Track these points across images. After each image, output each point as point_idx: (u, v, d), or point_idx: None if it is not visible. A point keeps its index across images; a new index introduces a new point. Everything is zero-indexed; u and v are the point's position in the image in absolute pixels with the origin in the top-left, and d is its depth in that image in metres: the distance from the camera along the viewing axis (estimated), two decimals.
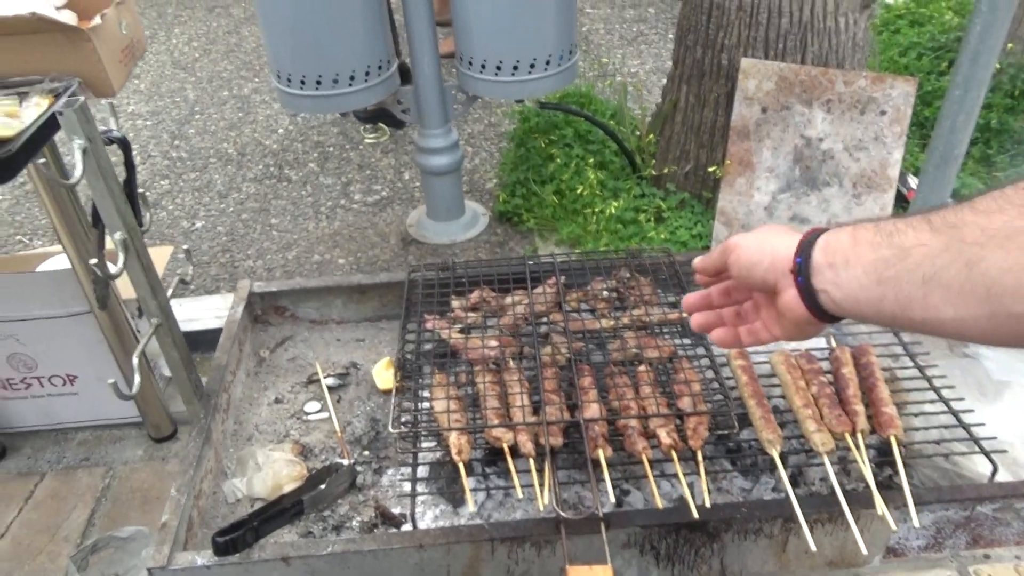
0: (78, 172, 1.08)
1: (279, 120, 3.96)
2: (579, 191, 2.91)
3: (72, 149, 1.10)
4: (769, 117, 2.69)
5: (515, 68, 2.60)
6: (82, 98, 1.08)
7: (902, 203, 2.78)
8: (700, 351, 1.53)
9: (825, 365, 1.54)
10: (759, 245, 0.83)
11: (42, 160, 1.25)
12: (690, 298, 0.98)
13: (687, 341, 1.58)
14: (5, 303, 2.03)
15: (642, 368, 1.49)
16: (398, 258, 2.94)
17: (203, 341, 2.21)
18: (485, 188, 3.34)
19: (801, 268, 0.76)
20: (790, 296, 0.78)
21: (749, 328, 0.90)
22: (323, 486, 1.36)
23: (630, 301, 1.64)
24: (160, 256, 2.78)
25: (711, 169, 2.78)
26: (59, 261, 2.27)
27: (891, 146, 2.64)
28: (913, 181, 2.90)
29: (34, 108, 1.53)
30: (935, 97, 3.44)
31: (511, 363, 1.50)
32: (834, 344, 1.61)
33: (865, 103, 2.63)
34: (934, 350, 1.61)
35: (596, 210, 2.83)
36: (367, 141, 3.72)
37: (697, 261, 0.96)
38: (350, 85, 2.60)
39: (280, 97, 2.69)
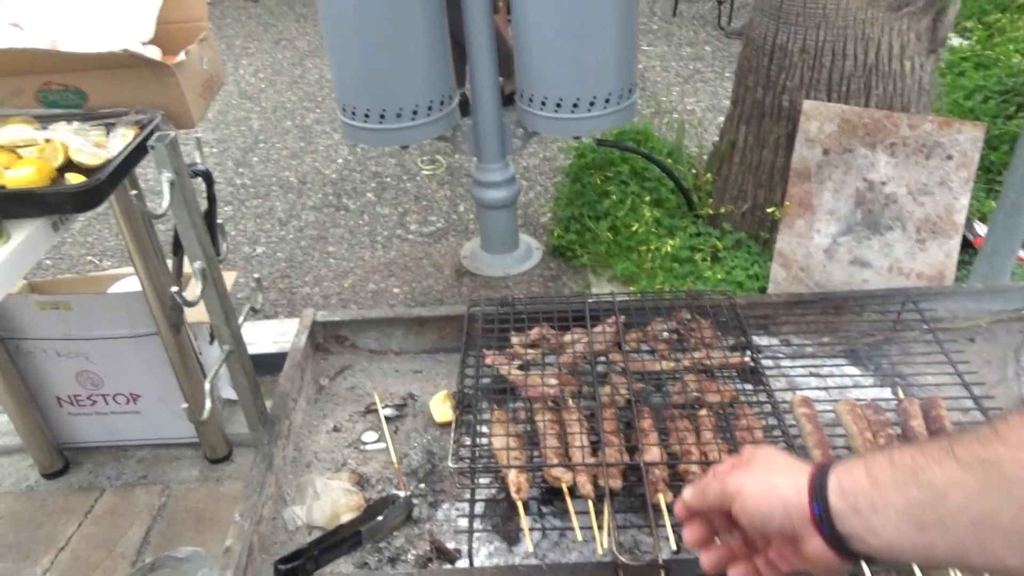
0: (165, 203, 1.13)
1: (339, 150, 4.07)
2: (634, 228, 2.90)
3: (161, 181, 1.14)
4: (831, 159, 2.66)
5: (575, 105, 2.63)
6: (173, 133, 1.13)
7: (968, 249, 2.71)
8: (762, 397, 1.50)
9: (892, 416, 1.50)
10: (765, 491, 0.76)
11: (134, 192, 1.31)
12: (691, 532, 0.86)
13: (748, 386, 1.56)
14: (80, 323, 2.11)
15: (703, 412, 1.47)
16: (452, 289, 2.97)
17: (260, 365, 2.25)
18: (539, 222, 3.36)
19: (822, 517, 0.71)
20: (816, 545, 0.72)
21: (766, 560, 0.82)
22: (380, 517, 1.36)
23: (690, 343, 1.63)
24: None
25: (769, 210, 2.75)
26: (129, 283, 2.36)
27: (957, 191, 2.58)
28: (980, 227, 2.83)
29: (120, 139, 1.60)
30: (1002, 141, 3.37)
31: (570, 402, 1.50)
32: (901, 395, 1.57)
33: (931, 147, 2.58)
34: (1008, 404, 1.56)
35: (651, 248, 2.83)
36: (424, 172, 3.78)
37: (689, 496, 0.84)
38: (412, 119, 2.66)
39: (344, 129, 2.77)
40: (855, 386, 1.65)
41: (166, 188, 1.13)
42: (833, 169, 2.67)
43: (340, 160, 3.97)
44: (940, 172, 2.59)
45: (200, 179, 1.25)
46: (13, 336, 2.13)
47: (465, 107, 2.88)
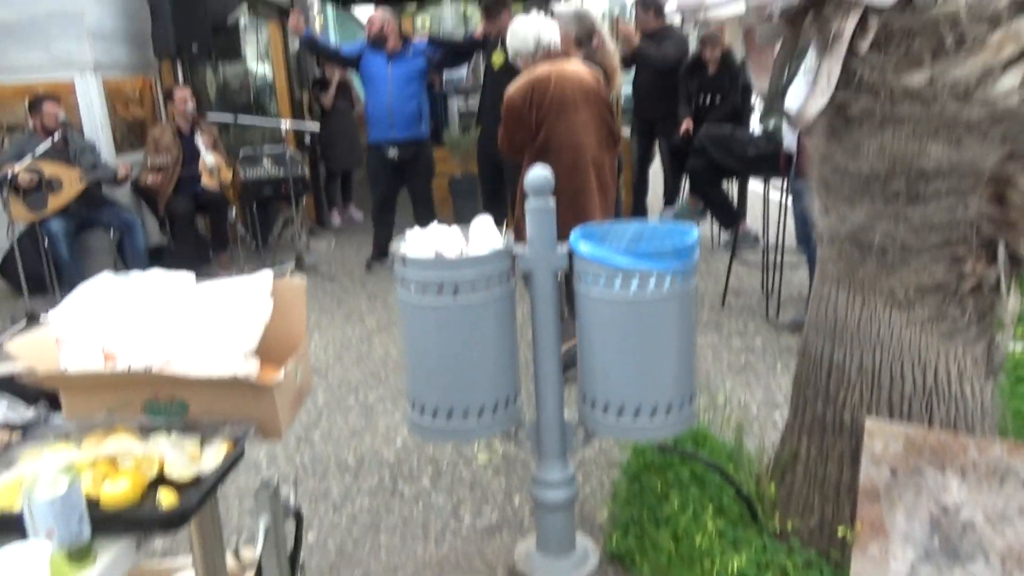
0: (259, 550, 1.16)
1: (399, 430, 4.15)
2: (697, 540, 2.81)
3: (258, 526, 1.18)
4: (899, 480, 2.61)
5: (636, 413, 2.69)
6: (276, 482, 1.19)
7: None
8: None
9: None
10: None
11: (231, 559, 1.35)
12: None
13: None
14: None
15: None
16: None
17: None
18: (595, 521, 3.28)
19: None
20: None
21: None
22: None
23: None
24: None
25: (840, 531, 2.65)
26: None
27: None
28: None
29: (214, 452, 1.68)
30: None
31: None
32: None
33: (1003, 472, 2.53)
34: None
35: (716, 562, 2.70)
36: (480, 460, 3.81)
37: None
38: (479, 418, 2.74)
39: (410, 425, 2.86)
40: None
41: (261, 531, 1.17)
42: (903, 490, 2.60)
43: (399, 441, 4.04)
44: (1017, 499, 2.51)
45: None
46: None
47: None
